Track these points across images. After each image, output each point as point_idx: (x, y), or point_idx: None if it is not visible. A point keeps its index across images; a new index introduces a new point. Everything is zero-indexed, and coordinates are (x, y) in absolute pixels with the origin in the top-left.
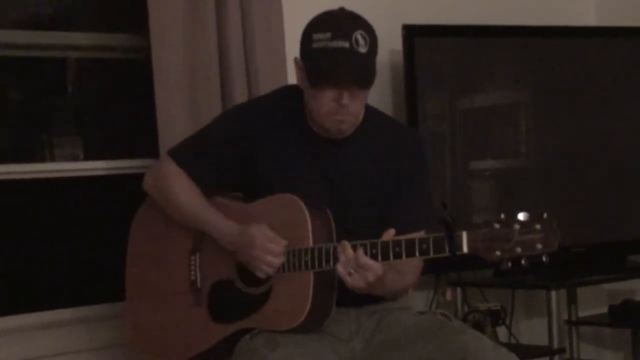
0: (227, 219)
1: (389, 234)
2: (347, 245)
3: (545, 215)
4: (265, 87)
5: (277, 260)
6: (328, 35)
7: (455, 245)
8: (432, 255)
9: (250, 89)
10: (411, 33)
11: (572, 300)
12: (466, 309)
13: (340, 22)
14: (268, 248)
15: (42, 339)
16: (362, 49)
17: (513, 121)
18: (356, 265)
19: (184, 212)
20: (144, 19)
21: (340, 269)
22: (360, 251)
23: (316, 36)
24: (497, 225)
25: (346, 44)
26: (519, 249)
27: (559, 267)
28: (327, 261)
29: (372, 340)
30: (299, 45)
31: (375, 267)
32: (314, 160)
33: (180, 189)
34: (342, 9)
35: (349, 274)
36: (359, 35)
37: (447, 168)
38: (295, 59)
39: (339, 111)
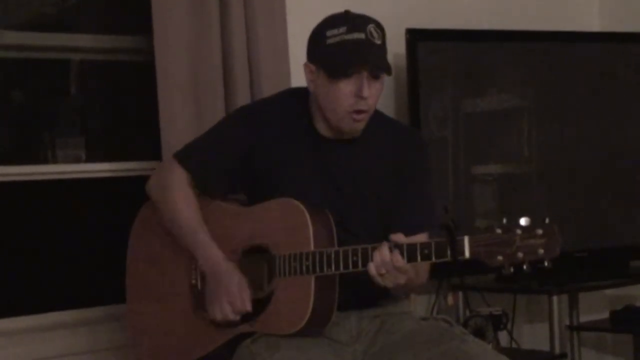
0: (216, 247)
1: (399, 237)
2: (385, 245)
3: (547, 220)
4: (268, 90)
5: (232, 316)
6: (343, 29)
7: (457, 250)
8: (434, 260)
9: (254, 91)
10: (414, 37)
11: (573, 305)
12: (468, 313)
13: (353, 17)
14: (233, 299)
15: (43, 341)
16: (377, 41)
17: (516, 125)
18: (393, 267)
19: (175, 225)
20: (147, 21)
21: (372, 269)
22: (397, 253)
23: (330, 32)
24: (499, 231)
25: (362, 35)
26: (520, 254)
27: (561, 272)
28: (329, 265)
29: (373, 345)
30: (308, 49)
31: (409, 269)
32: (317, 162)
33: (181, 199)
34: (348, 11)
35: (381, 274)
36: (372, 28)
37: (449, 172)
38: (306, 64)
39: (358, 104)
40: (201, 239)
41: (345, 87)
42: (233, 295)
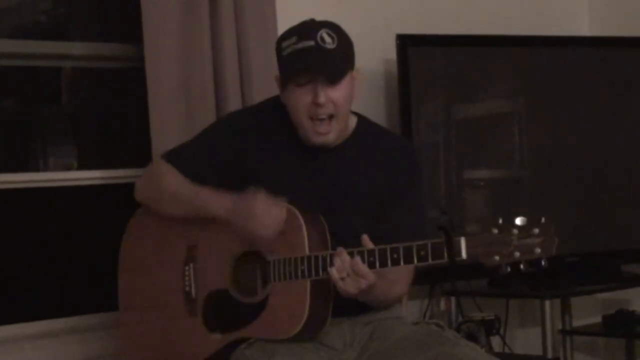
0: (221, 193)
1: (365, 240)
2: (343, 251)
3: (543, 220)
4: (259, 97)
5: (280, 212)
6: (294, 39)
7: (454, 251)
8: (430, 261)
9: (244, 99)
10: (405, 43)
11: (566, 309)
12: (460, 318)
13: (304, 25)
14: (267, 203)
15: (34, 349)
16: (329, 45)
17: (507, 130)
18: (352, 271)
19: (181, 200)
20: (138, 28)
21: (334, 273)
22: (358, 258)
23: (285, 43)
24: (495, 230)
25: (311, 42)
26: (517, 254)
27: (553, 277)
28: (324, 268)
29: (366, 351)
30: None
31: (370, 274)
32: (305, 170)
33: (170, 180)
34: (309, 20)
35: (342, 278)
36: (324, 33)
37: (441, 177)
38: (275, 77)
39: (317, 112)
40: (203, 197)
41: (301, 97)
42: (258, 211)
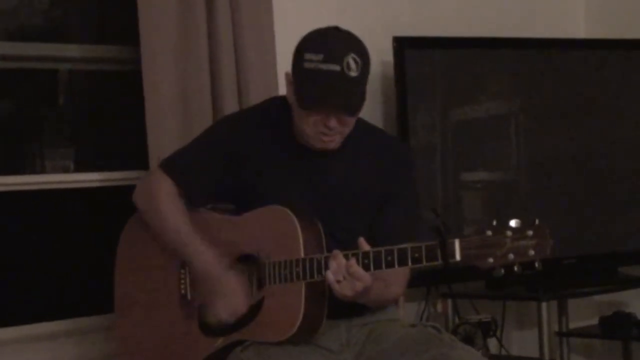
0: (208, 251)
1: (361, 242)
2: (338, 253)
3: (537, 222)
4: (256, 99)
5: (226, 318)
6: (320, 56)
7: (448, 253)
8: (424, 263)
9: (241, 101)
10: (402, 45)
11: (562, 311)
12: (457, 320)
13: (333, 43)
14: (231, 300)
15: (31, 351)
16: (353, 73)
17: (504, 133)
18: (347, 273)
19: (167, 236)
20: (135, 30)
21: (329, 276)
22: (353, 260)
23: (308, 56)
24: (489, 232)
25: (337, 68)
26: (511, 256)
27: (550, 279)
28: (319, 271)
29: (362, 353)
30: (292, 60)
31: (365, 277)
32: (302, 172)
33: (169, 208)
34: (336, 29)
35: (338, 281)
36: (350, 59)
37: (438, 179)
38: (287, 74)
39: (325, 132)
40: (191, 248)
41: (313, 116)
42: (226, 299)
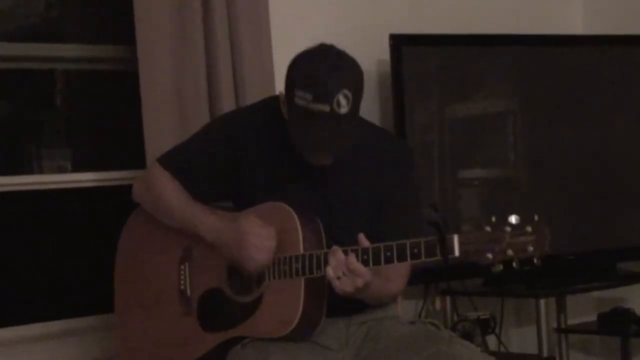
0: (216, 215)
1: (361, 238)
2: (338, 249)
3: (536, 218)
4: (253, 99)
5: (268, 243)
6: (309, 96)
7: (447, 248)
8: (423, 259)
9: (238, 100)
10: (398, 42)
11: (561, 308)
12: (455, 317)
13: (323, 81)
14: (256, 232)
15: (31, 351)
16: (344, 109)
17: (501, 130)
18: (347, 269)
19: (174, 214)
20: (131, 30)
21: (329, 272)
22: (352, 256)
23: (298, 93)
24: (488, 228)
25: (327, 108)
26: (510, 251)
27: (548, 275)
28: (318, 267)
29: (361, 351)
30: (284, 82)
31: (365, 272)
32: (301, 171)
33: (169, 191)
34: (326, 57)
35: (338, 277)
36: (341, 96)
37: (435, 177)
38: (280, 93)
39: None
40: (197, 218)
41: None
42: (252, 232)
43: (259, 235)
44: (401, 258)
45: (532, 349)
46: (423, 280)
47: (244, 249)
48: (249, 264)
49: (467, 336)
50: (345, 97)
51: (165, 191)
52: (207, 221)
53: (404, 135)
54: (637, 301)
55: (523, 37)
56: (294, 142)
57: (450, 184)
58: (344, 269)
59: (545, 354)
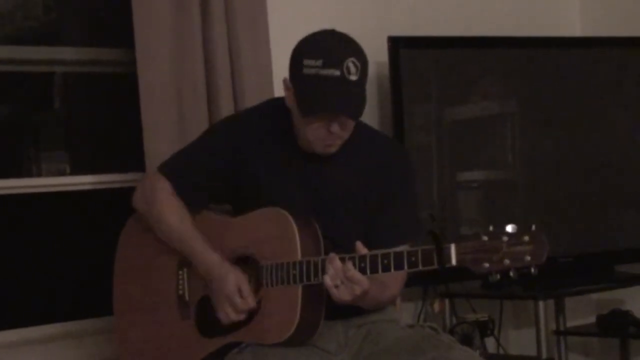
0: (213, 252)
1: (359, 246)
2: (335, 257)
3: (533, 227)
4: (251, 101)
5: (234, 316)
6: (319, 62)
7: (444, 257)
8: (420, 267)
9: (237, 103)
10: (397, 45)
11: (560, 310)
12: (454, 320)
13: (332, 48)
14: (233, 301)
15: (31, 354)
16: (353, 77)
17: (500, 132)
18: (345, 277)
19: (172, 238)
20: (130, 33)
21: (327, 280)
22: (349, 264)
23: (307, 62)
24: (485, 238)
25: (337, 72)
26: (507, 261)
27: (547, 278)
28: (316, 274)
29: (360, 354)
30: (289, 66)
31: (363, 280)
32: (300, 174)
33: (170, 213)
34: (332, 32)
35: (336, 286)
36: (350, 63)
37: (434, 179)
38: (284, 80)
39: (327, 137)
40: (194, 248)
41: (315, 122)
42: (231, 297)
43: (234, 305)
44: (398, 266)
45: (531, 351)
46: (422, 283)
47: (219, 305)
48: (219, 314)
49: (466, 338)
50: (354, 64)
51: (166, 213)
52: (201, 257)
53: (402, 138)
54: (635, 303)
55: (521, 40)
56: (306, 112)
57: (449, 186)
58: (341, 278)
59: (544, 356)
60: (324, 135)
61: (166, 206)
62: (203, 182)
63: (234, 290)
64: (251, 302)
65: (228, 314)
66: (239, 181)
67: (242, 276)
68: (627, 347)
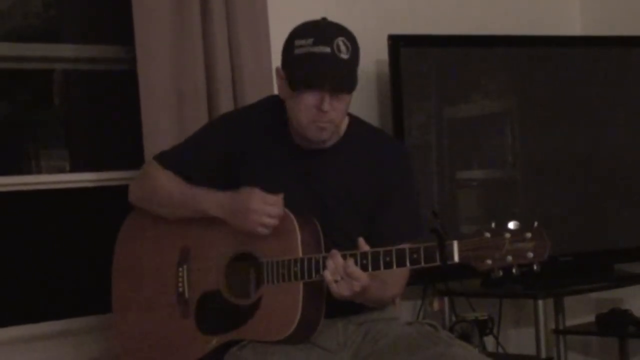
0: (217, 191)
1: (361, 243)
2: (337, 253)
3: (536, 224)
4: (251, 99)
5: (274, 221)
6: (310, 40)
7: (446, 254)
8: (423, 264)
9: (237, 100)
10: (397, 43)
11: (559, 309)
12: (454, 318)
13: (323, 28)
14: (265, 210)
15: (28, 352)
16: (344, 55)
17: (500, 131)
18: (345, 273)
19: (174, 200)
20: (130, 30)
21: (327, 275)
22: (350, 260)
23: (298, 42)
24: (487, 235)
25: (327, 49)
26: (509, 258)
27: (546, 277)
28: (317, 271)
29: (360, 352)
30: (282, 54)
31: (363, 276)
32: (298, 172)
33: (165, 180)
34: (324, 19)
35: (335, 281)
36: (340, 41)
37: (434, 178)
38: (277, 69)
39: (319, 117)
40: (198, 198)
41: (306, 99)
42: (261, 207)
43: (268, 213)
44: (400, 263)
45: (530, 350)
46: (421, 281)
47: (253, 224)
48: (259, 231)
49: (465, 337)
50: (344, 44)
51: (163, 181)
52: (212, 197)
53: (402, 136)
54: (635, 302)
55: (521, 38)
56: (297, 87)
57: (448, 185)
58: (341, 273)
59: (543, 355)
60: (315, 116)
61: (160, 176)
62: (200, 177)
63: (258, 201)
64: (278, 201)
65: (266, 225)
66: (237, 177)
67: (254, 188)
68: (627, 346)
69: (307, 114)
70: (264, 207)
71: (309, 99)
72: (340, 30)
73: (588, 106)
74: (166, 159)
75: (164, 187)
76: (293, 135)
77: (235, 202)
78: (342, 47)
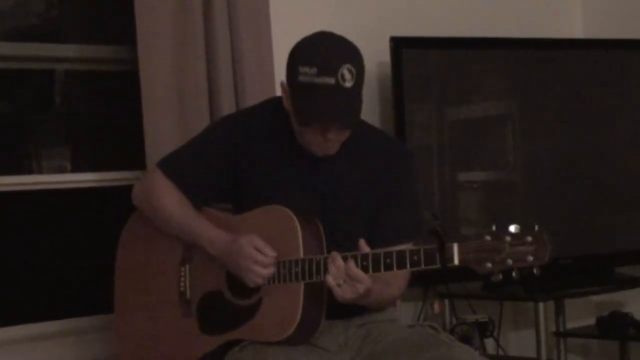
0: (216, 228)
1: (362, 244)
2: (337, 256)
3: (536, 227)
4: (253, 99)
5: (266, 272)
6: (314, 70)
7: (446, 257)
8: (423, 266)
9: (238, 101)
10: (399, 45)
11: (560, 311)
12: (454, 321)
13: (327, 55)
14: (256, 258)
15: (30, 352)
16: (348, 83)
17: (501, 133)
18: (347, 276)
19: (172, 225)
20: (131, 30)
21: (330, 279)
22: (351, 262)
23: (302, 69)
24: (488, 237)
25: (332, 81)
26: (510, 261)
27: (547, 279)
28: (318, 272)
29: (360, 353)
30: (286, 70)
31: (366, 279)
32: (301, 173)
33: (169, 201)
34: (329, 36)
35: (339, 285)
36: (345, 69)
37: (435, 179)
38: (282, 83)
39: (324, 144)
40: (197, 230)
41: (312, 130)
42: (253, 257)
43: (260, 262)
44: (400, 265)
45: (531, 353)
46: (422, 283)
47: (244, 271)
48: (245, 281)
49: (466, 339)
50: (350, 71)
51: (165, 200)
52: (207, 235)
53: (404, 138)
54: (635, 305)
55: (523, 41)
56: (301, 122)
57: (449, 186)
58: (344, 276)
59: (543, 357)
60: (320, 142)
61: (165, 195)
62: (203, 179)
63: (251, 249)
64: (271, 251)
65: (258, 274)
66: (239, 179)
67: (252, 235)
68: (627, 349)
69: (313, 141)
70: (255, 265)
71: (315, 130)
72: (344, 55)
73: (589, 109)
74: (169, 167)
75: (164, 210)
76: (295, 137)
77: (230, 250)
78: (347, 75)
